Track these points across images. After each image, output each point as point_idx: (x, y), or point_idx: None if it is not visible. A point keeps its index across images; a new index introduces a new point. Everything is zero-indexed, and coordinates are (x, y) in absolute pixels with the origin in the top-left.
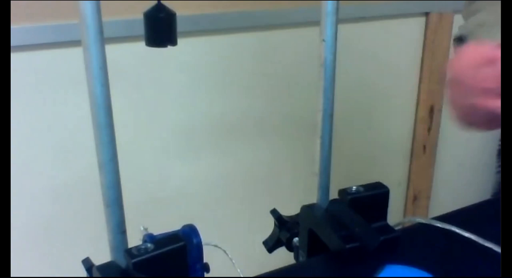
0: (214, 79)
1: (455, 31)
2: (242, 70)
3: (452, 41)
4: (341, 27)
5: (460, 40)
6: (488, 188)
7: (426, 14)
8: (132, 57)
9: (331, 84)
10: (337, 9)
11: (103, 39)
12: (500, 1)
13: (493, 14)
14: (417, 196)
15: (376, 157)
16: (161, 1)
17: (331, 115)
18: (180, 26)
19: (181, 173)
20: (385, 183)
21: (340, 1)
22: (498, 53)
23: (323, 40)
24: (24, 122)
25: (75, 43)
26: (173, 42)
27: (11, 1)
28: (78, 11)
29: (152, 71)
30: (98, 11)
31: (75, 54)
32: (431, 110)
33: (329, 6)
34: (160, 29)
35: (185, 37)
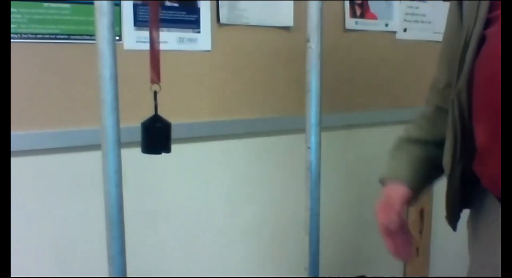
0: (211, 180)
1: None
2: (236, 173)
3: None
4: (338, 133)
5: None
6: None
7: None
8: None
9: (316, 186)
10: (320, 121)
11: (120, 148)
12: None
13: None
14: None
15: (372, 259)
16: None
17: (317, 214)
18: (179, 133)
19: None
20: None
21: (324, 112)
22: None
23: (309, 147)
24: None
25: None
26: (168, 149)
27: (20, 109)
28: (100, 123)
29: (153, 173)
30: (117, 123)
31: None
32: (422, 214)
33: (313, 118)
34: (156, 138)
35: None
